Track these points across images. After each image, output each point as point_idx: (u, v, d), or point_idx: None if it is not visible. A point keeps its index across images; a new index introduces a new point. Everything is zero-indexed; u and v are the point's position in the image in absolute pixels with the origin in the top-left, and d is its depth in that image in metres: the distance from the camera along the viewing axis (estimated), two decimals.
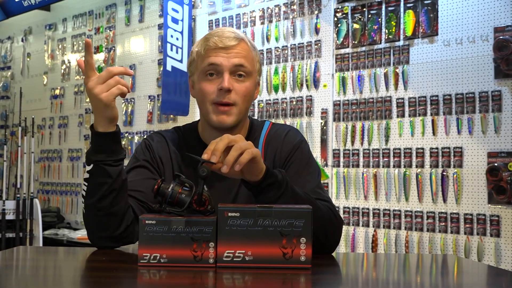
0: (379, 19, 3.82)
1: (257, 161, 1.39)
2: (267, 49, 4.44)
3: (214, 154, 1.33)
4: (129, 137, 5.51)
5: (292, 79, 4.27)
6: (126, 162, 1.57)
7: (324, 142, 4.05)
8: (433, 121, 3.54)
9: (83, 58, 1.49)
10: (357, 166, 3.88)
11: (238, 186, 1.65)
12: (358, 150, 3.88)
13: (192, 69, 1.73)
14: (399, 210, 3.66)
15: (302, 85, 4.21)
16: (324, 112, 4.06)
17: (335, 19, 4.05)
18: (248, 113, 1.75)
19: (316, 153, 4.06)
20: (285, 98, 4.29)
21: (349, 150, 3.92)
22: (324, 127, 4.05)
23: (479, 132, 3.37)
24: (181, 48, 4.70)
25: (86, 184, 1.53)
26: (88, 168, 1.52)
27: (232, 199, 1.66)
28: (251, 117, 1.82)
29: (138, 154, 1.74)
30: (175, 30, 4.70)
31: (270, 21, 4.44)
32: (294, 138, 1.73)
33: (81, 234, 5.47)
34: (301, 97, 4.20)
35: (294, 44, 4.28)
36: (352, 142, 3.91)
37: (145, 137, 1.83)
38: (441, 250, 3.46)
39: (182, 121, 4.87)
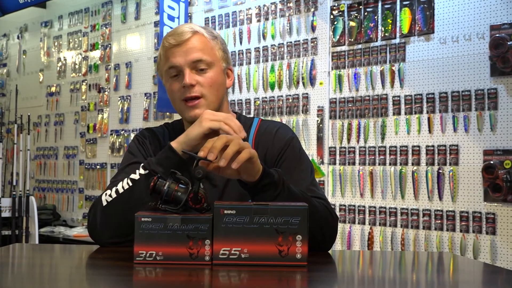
0: (375, 17, 3.82)
1: (254, 162, 1.39)
2: (263, 46, 4.43)
3: (212, 152, 1.32)
4: (125, 135, 5.50)
5: (288, 77, 4.27)
6: None
7: (320, 139, 4.05)
8: (429, 119, 3.55)
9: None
10: (353, 164, 3.88)
11: (225, 182, 1.65)
12: (354, 147, 3.88)
13: (159, 72, 1.75)
14: (395, 208, 3.67)
15: (298, 82, 4.21)
16: (320, 110, 4.06)
17: (332, 16, 4.05)
18: (224, 102, 1.74)
19: (312, 150, 4.06)
20: (281, 96, 4.29)
21: (345, 147, 3.92)
22: (320, 125, 4.05)
23: (475, 130, 3.37)
24: None
25: (131, 184, 1.52)
26: (143, 172, 1.52)
27: (219, 195, 1.65)
28: (238, 112, 1.80)
29: (133, 150, 1.72)
30: (171, 28, 4.69)
31: (266, 19, 4.44)
32: (285, 134, 1.73)
33: (77, 231, 5.46)
34: (297, 94, 4.20)
35: (290, 42, 4.28)
36: (348, 140, 3.91)
37: (136, 133, 1.81)
38: (437, 248, 3.46)
39: (178, 118, 4.86)
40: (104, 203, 1.55)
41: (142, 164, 1.54)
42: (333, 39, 4.03)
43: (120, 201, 1.53)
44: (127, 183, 1.53)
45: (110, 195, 1.55)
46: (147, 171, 1.52)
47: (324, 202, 1.59)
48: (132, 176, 1.53)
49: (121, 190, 1.54)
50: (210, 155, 1.32)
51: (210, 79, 1.66)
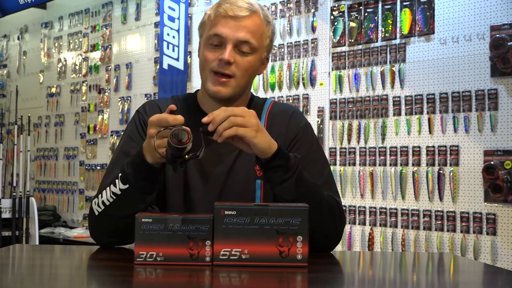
0: (376, 18, 3.82)
1: (248, 141, 1.38)
2: None
3: (209, 116, 1.35)
4: None
5: (288, 78, 4.27)
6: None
7: (320, 140, 4.05)
8: (429, 119, 3.55)
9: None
10: (354, 164, 3.88)
11: (233, 160, 1.62)
12: (354, 148, 3.88)
13: (201, 32, 1.68)
14: (396, 209, 3.67)
15: (298, 83, 4.21)
16: (320, 111, 4.06)
17: (332, 17, 4.05)
18: (249, 87, 1.70)
19: None
20: (282, 96, 4.29)
21: (345, 148, 3.92)
22: (321, 126, 4.05)
23: (476, 130, 3.37)
24: (178, 47, 4.70)
25: (114, 198, 1.46)
26: (123, 186, 1.44)
27: (227, 170, 1.62)
28: (252, 93, 1.75)
29: (132, 131, 1.65)
30: (172, 28, 4.69)
31: None
32: (300, 120, 1.70)
33: (77, 232, 5.46)
34: (298, 95, 4.20)
35: (291, 42, 4.28)
36: (349, 141, 3.91)
37: (137, 108, 1.74)
38: (437, 248, 3.46)
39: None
40: (96, 213, 1.52)
41: (120, 179, 1.46)
42: (334, 39, 4.03)
43: (106, 214, 1.50)
44: (111, 197, 1.48)
45: (98, 205, 1.51)
46: (127, 186, 1.44)
47: (336, 203, 1.57)
48: (115, 191, 1.47)
49: (107, 203, 1.49)
50: (204, 118, 1.36)
51: (248, 63, 1.61)
